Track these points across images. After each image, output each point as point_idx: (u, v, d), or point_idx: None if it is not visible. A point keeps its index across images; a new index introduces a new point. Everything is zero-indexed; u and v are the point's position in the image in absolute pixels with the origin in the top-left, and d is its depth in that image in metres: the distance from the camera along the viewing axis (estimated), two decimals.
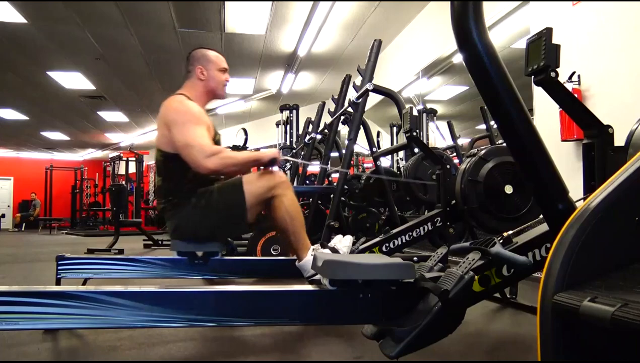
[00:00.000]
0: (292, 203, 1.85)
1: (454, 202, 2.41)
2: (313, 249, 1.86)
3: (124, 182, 10.44)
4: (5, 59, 6.77)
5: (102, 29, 5.82)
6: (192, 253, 1.92)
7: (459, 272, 1.17)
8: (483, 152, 2.31)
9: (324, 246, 1.94)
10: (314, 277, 1.72)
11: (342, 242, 1.98)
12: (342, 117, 3.62)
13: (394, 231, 2.46)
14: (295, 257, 2.03)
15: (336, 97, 3.84)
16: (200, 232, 1.85)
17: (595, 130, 1.33)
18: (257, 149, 7.73)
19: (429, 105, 6.04)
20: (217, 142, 1.96)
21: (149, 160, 12.86)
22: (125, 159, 11.21)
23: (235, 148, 5.43)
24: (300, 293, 1.25)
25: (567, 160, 2.88)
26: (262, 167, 1.96)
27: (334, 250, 1.91)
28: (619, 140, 1.33)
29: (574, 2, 2.93)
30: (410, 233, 2.46)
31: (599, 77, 2.77)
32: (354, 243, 2.27)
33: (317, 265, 1.32)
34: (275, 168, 1.97)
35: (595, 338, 0.63)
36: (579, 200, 1.07)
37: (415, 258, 2.24)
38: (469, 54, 0.97)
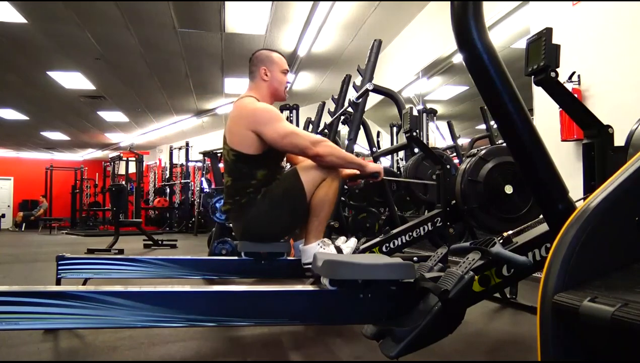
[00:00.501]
0: (334, 192, 1.90)
1: (454, 202, 2.41)
2: (323, 241, 1.90)
3: (124, 182, 10.44)
4: (5, 59, 6.77)
5: (102, 29, 5.82)
6: (258, 254, 1.96)
7: (459, 272, 1.17)
8: (483, 152, 2.31)
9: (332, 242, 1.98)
10: (310, 265, 1.75)
11: (347, 244, 2.02)
12: (342, 117, 3.62)
13: (394, 231, 2.46)
14: (295, 258, 2.05)
15: (336, 97, 3.84)
16: (267, 228, 1.90)
17: (595, 130, 1.33)
18: None
19: (429, 105, 6.04)
20: None
21: (149, 160, 12.87)
22: (125, 159, 11.21)
23: None
24: (300, 293, 1.25)
25: (567, 160, 2.88)
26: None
27: (339, 250, 1.93)
28: (619, 140, 1.33)
29: (574, 2, 2.93)
30: (410, 234, 2.46)
31: (599, 77, 2.77)
32: None
33: (317, 265, 1.32)
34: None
35: (595, 338, 0.63)
36: (579, 200, 1.07)
37: (415, 258, 2.24)
38: (469, 54, 0.97)
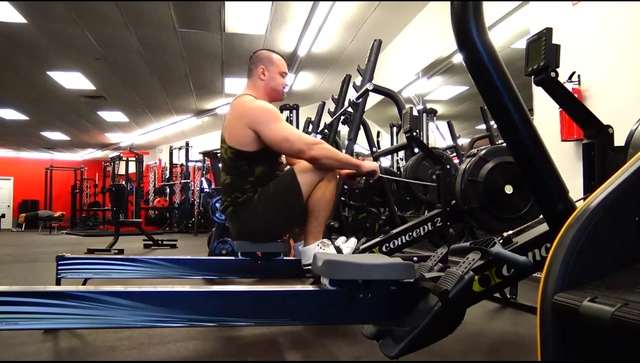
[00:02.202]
0: (331, 192, 1.93)
1: (454, 202, 2.41)
2: (322, 242, 1.91)
3: (124, 182, 10.44)
4: (5, 59, 6.77)
5: (102, 29, 5.82)
6: (254, 254, 1.97)
7: (459, 272, 1.17)
8: (483, 152, 2.31)
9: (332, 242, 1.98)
10: (311, 266, 1.76)
11: (347, 244, 2.02)
12: (342, 117, 3.61)
13: (394, 231, 2.45)
14: (295, 258, 2.05)
15: (336, 97, 3.84)
16: (263, 228, 1.91)
17: (595, 130, 1.33)
18: None
19: (429, 105, 6.03)
20: None
21: (149, 160, 12.87)
22: (125, 159, 11.20)
23: None
24: (300, 293, 1.25)
25: (567, 160, 2.88)
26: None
27: (339, 250, 1.94)
28: (619, 140, 1.33)
29: (574, 2, 2.93)
30: (410, 234, 2.45)
31: (599, 77, 2.77)
32: None
33: (317, 265, 1.32)
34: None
35: (595, 338, 0.63)
36: (579, 200, 1.07)
37: (415, 258, 2.24)
38: (469, 54, 0.97)
